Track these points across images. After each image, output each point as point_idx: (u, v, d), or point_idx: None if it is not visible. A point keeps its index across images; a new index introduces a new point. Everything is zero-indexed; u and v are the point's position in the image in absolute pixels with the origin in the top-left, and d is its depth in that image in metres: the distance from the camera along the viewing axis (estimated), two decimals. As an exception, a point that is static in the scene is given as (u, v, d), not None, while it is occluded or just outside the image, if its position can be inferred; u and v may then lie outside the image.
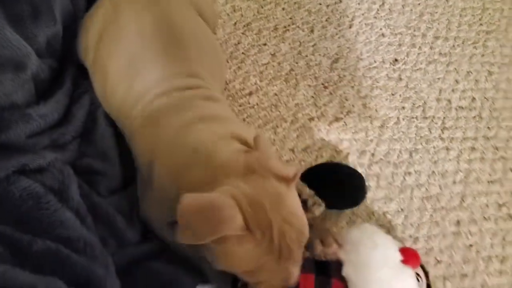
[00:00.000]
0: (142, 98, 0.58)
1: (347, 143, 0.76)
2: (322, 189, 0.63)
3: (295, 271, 0.50)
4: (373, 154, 0.76)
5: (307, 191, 0.63)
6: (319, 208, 0.63)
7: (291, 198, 0.49)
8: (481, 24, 0.95)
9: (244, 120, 0.76)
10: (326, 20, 0.90)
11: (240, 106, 0.77)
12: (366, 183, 0.68)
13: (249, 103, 0.78)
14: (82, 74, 0.67)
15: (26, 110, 0.55)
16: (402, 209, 0.72)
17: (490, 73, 0.89)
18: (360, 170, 0.73)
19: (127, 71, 0.59)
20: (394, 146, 0.77)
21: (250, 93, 0.79)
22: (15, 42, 0.54)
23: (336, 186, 0.66)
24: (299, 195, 0.58)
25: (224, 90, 0.77)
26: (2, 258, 0.43)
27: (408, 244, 0.69)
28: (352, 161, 0.75)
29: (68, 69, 0.67)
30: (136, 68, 0.59)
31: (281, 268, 0.49)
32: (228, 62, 0.81)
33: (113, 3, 0.63)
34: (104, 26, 0.62)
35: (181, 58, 0.60)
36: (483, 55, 0.91)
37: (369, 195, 0.71)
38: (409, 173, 0.75)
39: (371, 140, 0.77)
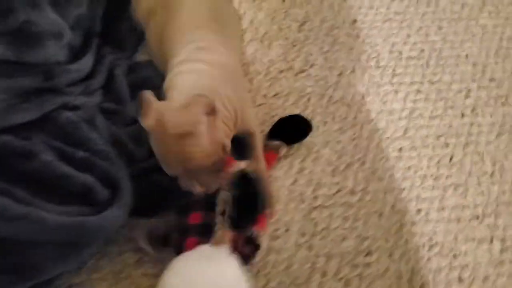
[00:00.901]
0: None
1: (310, 89, 0.94)
2: (284, 132, 0.83)
3: (196, 186, 0.64)
4: (331, 97, 0.93)
5: (274, 142, 0.81)
6: (283, 147, 0.82)
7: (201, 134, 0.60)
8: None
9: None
10: (296, -11, 1.06)
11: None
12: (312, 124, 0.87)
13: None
14: (102, 43, 0.89)
15: (66, 66, 0.75)
16: (353, 139, 0.89)
17: (439, 27, 1.04)
18: (319, 110, 0.91)
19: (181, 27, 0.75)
20: (349, 90, 0.94)
21: (231, 53, 0.97)
22: (54, 19, 0.74)
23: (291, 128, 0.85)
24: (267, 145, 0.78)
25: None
26: (54, 163, 0.64)
27: (355, 166, 0.86)
28: (313, 103, 0.92)
29: (92, 39, 0.88)
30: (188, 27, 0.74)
31: (189, 179, 0.64)
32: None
33: None
34: None
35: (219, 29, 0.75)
36: (434, 13, 1.05)
37: (326, 128, 0.89)
38: (361, 111, 0.92)
39: (330, 86, 0.94)
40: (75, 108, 0.72)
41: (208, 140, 0.62)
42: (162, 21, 0.78)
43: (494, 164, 0.88)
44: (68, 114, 0.69)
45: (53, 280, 0.66)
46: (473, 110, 0.94)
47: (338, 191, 0.84)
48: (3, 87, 0.64)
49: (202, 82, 0.68)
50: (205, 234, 0.66)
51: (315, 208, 0.82)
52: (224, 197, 0.68)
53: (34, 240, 0.57)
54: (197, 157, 0.61)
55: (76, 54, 0.79)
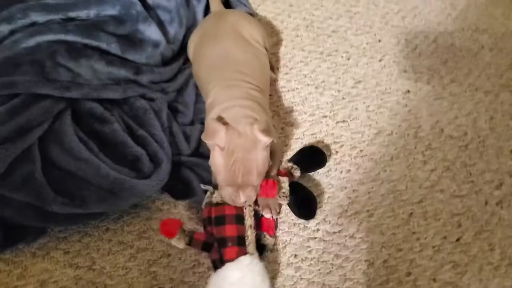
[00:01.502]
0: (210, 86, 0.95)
1: (345, 138, 1.05)
2: (303, 160, 0.96)
3: (241, 196, 0.82)
4: (361, 150, 1.03)
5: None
6: (297, 172, 0.94)
7: (257, 154, 0.82)
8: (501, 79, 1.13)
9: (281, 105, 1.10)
10: (363, 53, 1.19)
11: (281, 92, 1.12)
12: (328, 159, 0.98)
13: (286, 98, 1.12)
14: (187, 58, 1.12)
15: (153, 68, 0.99)
16: (369, 192, 0.97)
17: (491, 117, 1.08)
18: (346, 158, 1.01)
19: (206, 71, 0.98)
20: (381, 150, 1.03)
21: (288, 91, 1.13)
22: (156, 33, 0.99)
23: (309, 157, 0.97)
24: (285, 169, 0.92)
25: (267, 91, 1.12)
26: (120, 132, 0.86)
27: (363, 215, 0.94)
28: (343, 151, 1.03)
29: (182, 54, 1.12)
30: (213, 70, 0.97)
31: (236, 191, 0.82)
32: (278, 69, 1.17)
33: (201, 36, 1.03)
34: (199, 44, 1.02)
35: (234, 70, 0.95)
36: (491, 103, 1.10)
37: (347, 175, 0.99)
38: (385, 170, 1.00)
39: (364, 141, 1.04)
40: (150, 99, 0.94)
41: (264, 160, 0.83)
42: (197, 63, 1.02)
43: (502, 259, 0.89)
44: (143, 102, 0.92)
45: (96, 216, 0.87)
46: (499, 202, 0.96)
47: (339, 231, 0.93)
48: (105, 71, 0.88)
49: (249, 113, 0.87)
50: (241, 244, 0.82)
51: (314, 238, 0.92)
52: (250, 212, 0.85)
53: (88, 179, 0.77)
54: (255, 174, 0.82)
55: (165, 61, 1.03)
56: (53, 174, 0.76)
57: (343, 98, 1.12)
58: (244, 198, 0.83)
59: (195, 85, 1.08)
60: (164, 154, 0.89)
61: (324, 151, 0.98)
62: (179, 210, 0.96)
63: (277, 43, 1.22)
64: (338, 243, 0.92)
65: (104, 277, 0.89)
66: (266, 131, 0.82)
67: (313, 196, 0.92)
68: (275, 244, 0.91)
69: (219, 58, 0.96)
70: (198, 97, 1.07)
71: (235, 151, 0.80)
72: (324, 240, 0.92)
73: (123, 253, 0.92)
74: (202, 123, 1.01)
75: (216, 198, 0.85)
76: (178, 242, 0.81)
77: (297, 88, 1.14)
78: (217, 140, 0.80)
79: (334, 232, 0.93)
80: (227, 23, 1.03)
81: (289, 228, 0.93)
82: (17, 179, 0.72)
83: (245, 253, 0.81)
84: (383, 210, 0.95)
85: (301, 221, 0.94)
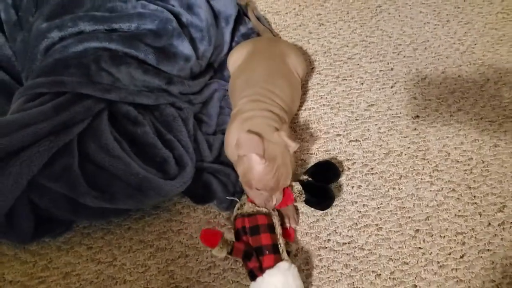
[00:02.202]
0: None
1: (357, 156, 1.11)
2: (318, 173, 1.02)
3: (274, 200, 0.90)
4: (372, 168, 1.09)
5: (298, 187, 0.98)
6: (301, 197, 0.99)
7: (290, 157, 0.91)
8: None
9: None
10: (376, 79, 1.28)
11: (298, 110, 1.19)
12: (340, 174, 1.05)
13: (302, 116, 1.19)
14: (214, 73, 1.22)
15: (184, 80, 1.07)
16: (378, 207, 1.03)
17: (495, 145, 1.14)
18: (358, 175, 1.08)
19: (245, 83, 1.07)
20: (390, 169, 1.09)
21: (305, 109, 1.21)
22: (188, 48, 1.08)
23: (324, 171, 1.04)
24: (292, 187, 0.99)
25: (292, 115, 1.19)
26: (150, 135, 0.93)
27: (372, 229, 0.99)
28: (355, 168, 1.09)
29: (208, 70, 1.21)
30: (248, 83, 1.06)
31: (268, 193, 0.89)
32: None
33: (251, 51, 1.13)
34: (246, 57, 1.13)
35: (268, 90, 1.04)
36: (494, 131, 1.17)
37: (358, 191, 1.05)
38: (394, 188, 1.06)
39: (375, 160, 1.11)
40: (178, 108, 1.02)
41: (293, 163, 0.93)
42: (237, 74, 1.12)
43: (504, 277, 0.93)
44: (172, 110, 1.00)
45: (121, 214, 0.93)
46: (501, 223, 1.01)
47: (349, 243, 0.98)
48: (141, 79, 0.96)
49: (271, 122, 0.95)
50: (276, 252, 0.87)
51: (325, 248, 0.97)
52: (278, 221, 0.92)
53: (118, 175, 0.83)
54: (289, 178, 0.90)
55: (193, 75, 1.11)
56: (88, 169, 0.82)
57: (356, 119, 1.19)
58: (275, 202, 0.91)
59: (219, 99, 1.16)
60: (189, 159, 0.95)
61: (337, 166, 1.04)
62: (198, 214, 1.02)
63: (296, 65, 1.30)
64: (347, 254, 0.96)
65: (124, 273, 0.94)
66: (292, 137, 0.91)
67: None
68: (297, 250, 0.96)
69: (260, 75, 1.05)
70: (221, 110, 1.14)
71: (276, 157, 0.87)
72: (334, 250, 0.97)
73: (143, 251, 0.97)
74: (223, 133, 1.08)
75: (249, 208, 0.91)
76: (220, 252, 0.86)
77: (313, 108, 1.22)
78: (255, 149, 0.87)
79: (344, 243, 0.98)
80: (278, 48, 1.16)
81: (301, 237, 0.99)
82: (56, 170, 0.78)
83: (280, 259, 0.86)
84: (390, 225, 1.00)
85: (313, 230, 0.99)
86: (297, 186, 0.97)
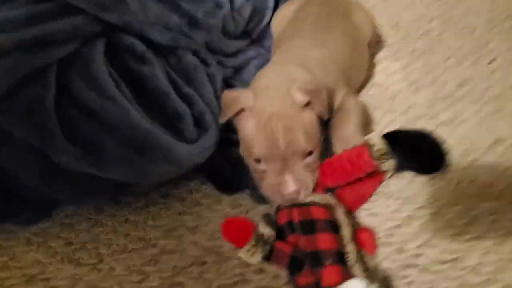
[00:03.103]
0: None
1: (452, 143, 0.79)
2: (406, 152, 0.68)
3: (289, 180, 0.59)
4: (475, 160, 0.76)
5: (379, 144, 0.61)
6: (387, 162, 0.61)
7: (300, 115, 0.61)
8: None
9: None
10: (464, 56, 0.97)
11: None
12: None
13: (369, 93, 0.90)
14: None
15: (212, 28, 0.82)
16: (492, 214, 0.68)
17: None
18: (455, 168, 0.74)
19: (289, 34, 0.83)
20: (501, 161, 0.76)
21: (373, 85, 0.91)
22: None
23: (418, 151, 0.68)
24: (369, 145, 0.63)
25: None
26: (161, 79, 0.66)
27: (486, 243, 0.65)
28: (451, 158, 0.76)
29: (245, 37, 0.97)
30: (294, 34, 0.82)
31: (279, 173, 0.59)
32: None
33: (304, 4, 0.89)
34: (294, 14, 0.88)
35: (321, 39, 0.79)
36: None
37: (456, 188, 0.71)
38: None
39: (478, 149, 0.78)
40: (204, 61, 0.75)
41: (312, 122, 0.63)
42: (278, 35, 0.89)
43: None
44: (194, 59, 0.73)
45: (115, 192, 0.64)
46: None
47: (453, 260, 0.63)
48: (155, 10, 0.70)
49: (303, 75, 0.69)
50: (342, 263, 0.55)
51: (414, 266, 0.63)
52: (344, 216, 0.59)
53: (112, 125, 0.56)
54: (301, 136, 0.60)
55: (226, 33, 0.87)
56: (68, 114, 0.55)
57: (444, 99, 0.88)
58: (293, 184, 0.59)
59: (256, 67, 0.90)
60: (213, 119, 0.67)
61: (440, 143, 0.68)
62: (224, 207, 0.72)
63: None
64: (454, 278, 0.61)
65: (111, 282, 0.64)
66: (306, 91, 0.62)
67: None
68: (376, 266, 0.62)
69: (310, 24, 0.81)
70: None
71: (273, 112, 0.60)
72: (429, 271, 0.62)
73: (142, 253, 0.67)
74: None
75: None
76: (251, 255, 0.55)
77: (383, 84, 0.92)
78: (242, 103, 0.61)
79: (446, 261, 0.63)
80: (340, 2, 0.90)
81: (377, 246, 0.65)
82: (21, 105, 0.52)
83: (349, 275, 0.54)
84: (517, 239, 0.65)
85: (394, 239, 0.66)
86: (378, 141, 0.60)
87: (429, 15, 1.10)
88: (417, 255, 0.64)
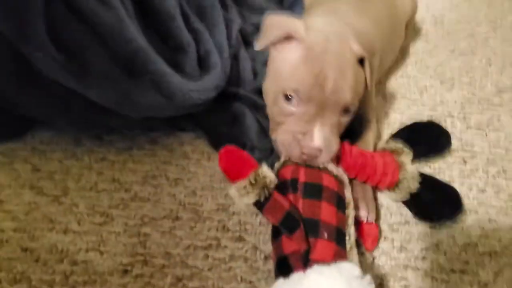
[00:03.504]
0: None
1: (479, 148, 0.70)
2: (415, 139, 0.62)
3: (318, 133, 0.50)
4: (505, 171, 0.67)
5: (395, 143, 0.61)
6: (408, 157, 0.59)
7: (352, 68, 0.52)
8: None
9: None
10: (510, 64, 0.88)
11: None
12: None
13: (398, 82, 0.81)
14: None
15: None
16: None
17: None
18: (480, 174, 0.65)
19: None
20: None
21: (402, 76, 0.82)
22: None
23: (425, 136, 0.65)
24: (386, 148, 0.61)
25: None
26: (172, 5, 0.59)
27: (504, 261, 0.55)
28: (475, 164, 0.67)
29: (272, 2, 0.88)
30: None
31: (309, 120, 0.50)
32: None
33: None
34: None
35: (363, 6, 0.69)
36: None
37: (478, 197, 0.62)
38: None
39: (504, 158, 0.68)
40: (225, 6, 0.68)
41: (361, 80, 0.54)
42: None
43: None
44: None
45: (108, 118, 0.57)
46: None
47: (462, 271, 0.54)
48: None
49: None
50: (341, 243, 0.47)
51: (416, 269, 0.54)
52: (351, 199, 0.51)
53: (100, 34, 0.48)
54: (348, 89, 0.51)
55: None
56: (57, 11, 0.48)
57: (480, 103, 0.78)
58: (320, 138, 0.50)
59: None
60: (220, 61, 0.59)
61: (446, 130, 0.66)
62: (213, 165, 0.64)
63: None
64: (458, 290, 0.52)
65: (70, 217, 0.56)
66: (364, 47, 0.53)
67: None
68: (373, 261, 0.54)
69: None
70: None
71: (330, 50, 0.50)
72: (433, 277, 0.53)
73: (112, 194, 0.59)
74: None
75: None
76: (244, 193, 0.45)
77: (415, 76, 0.83)
78: (292, 29, 0.51)
79: (453, 270, 0.54)
80: None
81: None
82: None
83: (345, 258, 0.46)
84: None
85: (398, 236, 0.57)
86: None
87: (478, 18, 1.01)
88: (422, 259, 0.55)
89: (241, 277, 0.52)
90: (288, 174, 0.50)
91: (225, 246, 0.54)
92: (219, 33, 0.62)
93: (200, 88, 0.54)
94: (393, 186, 0.56)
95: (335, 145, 0.52)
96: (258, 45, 0.53)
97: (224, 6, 0.68)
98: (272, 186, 0.46)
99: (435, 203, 0.57)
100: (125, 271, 0.51)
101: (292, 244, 0.45)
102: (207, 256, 0.53)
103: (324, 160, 0.51)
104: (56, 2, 0.49)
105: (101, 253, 0.53)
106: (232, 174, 0.45)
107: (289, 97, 0.51)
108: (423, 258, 0.55)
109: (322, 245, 0.45)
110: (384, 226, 0.58)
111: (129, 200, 0.59)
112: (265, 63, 0.74)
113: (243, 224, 0.57)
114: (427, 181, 0.57)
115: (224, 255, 0.53)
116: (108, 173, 0.62)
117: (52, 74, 0.49)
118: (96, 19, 0.48)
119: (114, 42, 0.49)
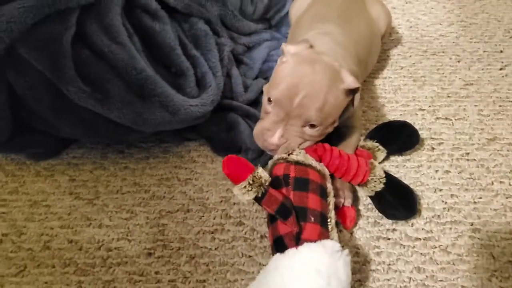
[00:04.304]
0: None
1: (446, 136, 0.80)
2: (388, 137, 0.73)
3: (277, 134, 0.61)
4: (467, 153, 0.77)
5: (372, 143, 0.72)
6: (382, 154, 0.72)
7: (332, 91, 0.61)
8: None
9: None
10: (478, 59, 0.98)
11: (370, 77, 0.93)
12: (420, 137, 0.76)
13: (374, 83, 0.92)
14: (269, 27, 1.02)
15: (228, 3, 0.88)
16: (475, 202, 0.69)
17: None
18: (446, 158, 0.76)
19: (314, 17, 0.83)
20: (496, 158, 0.76)
21: (378, 78, 0.94)
22: None
23: (397, 134, 0.75)
24: (366, 148, 0.72)
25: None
26: (169, 35, 0.72)
27: (462, 227, 0.66)
28: (442, 149, 0.78)
29: (263, 21, 1.01)
30: (319, 18, 0.81)
31: (276, 122, 0.62)
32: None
33: None
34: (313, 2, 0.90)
35: (347, 27, 0.79)
36: None
37: (443, 177, 0.73)
38: (501, 182, 0.72)
39: (473, 144, 0.78)
40: (215, 32, 0.80)
41: (338, 104, 0.63)
42: (298, 18, 0.89)
43: None
44: (206, 27, 0.78)
45: (128, 133, 0.70)
46: None
47: (425, 239, 0.65)
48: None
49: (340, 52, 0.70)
50: (324, 225, 0.59)
51: (387, 239, 0.65)
52: (331, 189, 0.63)
53: (118, 69, 0.62)
54: (316, 108, 0.60)
55: (244, 14, 0.93)
56: (82, 54, 0.62)
57: (449, 96, 0.89)
58: (277, 138, 0.62)
59: (268, 47, 0.94)
60: (214, 80, 0.72)
61: (414, 128, 0.76)
62: (216, 166, 0.76)
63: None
64: (422, 253, 0.63)
65: (102, 215, 0.70)
66: (354, 76, 0.64)
67: (408, 186, 0.69)
68: (350, 237, 0.66)
69: (334, 10, 0.81)
70: (269, 57, 0.92)
71: (312, 71, 0.61)
72: (401, 245, 0.64)
73: (135, 195, 0.72)
74: (266, 78, 0.86)
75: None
76: (245, 192, 0.56)
77: (390, 77, 0.94)
78: (297, 48, 0.63)
79: (418, 238, 0.65)
80: None
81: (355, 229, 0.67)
82: (42, 39, 0.59)
83: (328, 237, 0.58)
84: (495, 228, 0.66)
85: (372, 214, 0.68)
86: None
87: (449, 20, 1.11)
88: (392, 230, 0.66)
89: (242, 253, 0.64)
90: (280, 171, 0.62)
91: (228, 230, 0.67)
92: (212, 57, 0.75)
93: (199, 103, 0.67)
94: (362, 183, 0.67)
95: (294, 145, 0.63)
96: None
97: (216, 33, 0.81)
98: (267, 184, 0.57)
99: (394, 204, 0.66)
100: (149, 254, 0.64)
101: (285, 227, 0.57)
102: (214, 238, 0.66)
103: (280, 153, 0.63)
104: (80, 46, 0.63)
105: (129, 241, 0.66)
106: (234, 177, 0.57)
107: (270, 100, 0.63)
108: (394, 230, 0.66)
109: (310, 228, 0.57)
110: (361, 207, 0.70)
111: (149, 199, 0.72)
112: (254, 78, 0.87)
113: (242, 211, 0.69)
114: (391, 183, 0.67)
115: (228, 237, 0.66)
116: (130, 178, 0.75)
117: (81, 102, 0.62)
118: (112, 56, 0.62)
119: (128, 73, 0.62)
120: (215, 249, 0.64)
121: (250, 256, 0.63)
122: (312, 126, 0.62)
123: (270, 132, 0.62)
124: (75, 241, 0.66)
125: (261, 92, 0.83)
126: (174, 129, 0.72)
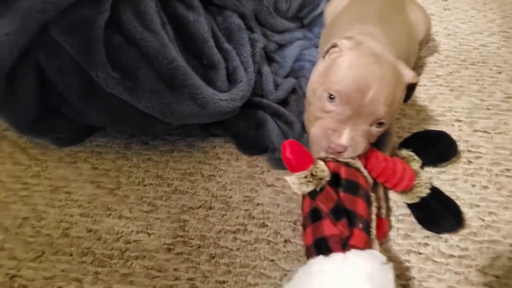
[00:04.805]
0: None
1: (484, 150, 0.76)
2: (424, 148, 0.70)
3: (346, 133, 0.57)
4: (508, 169, 0.72)
5: (407, 152, 0.69)
6: (417, 164, 0.68)
7: (397, 86, 0.58)
8: None
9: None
10: None
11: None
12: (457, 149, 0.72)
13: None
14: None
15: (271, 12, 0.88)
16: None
17: None
18: (484, 173, 0.72)
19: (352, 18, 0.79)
20: None
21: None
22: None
23: (434, 145, 0.71)
24: (397, 154, 0.69)
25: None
26: (202, 26, 0.70)
27: (500, 247, 0.61)
28: (480, 163, 0.74)
29: (295, 20, 0.99)
30: (358, 18, 0.78)
31: (343, 121, 0.57)
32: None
33: None
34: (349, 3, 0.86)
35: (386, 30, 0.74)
36: None
37: (481, 192, 0.68)
38: (543, 202, 0.67)
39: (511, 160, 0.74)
40: (249, 27, 0.78)
41: (400, 100, 0.60)
42: (334, 19, 0.85)
43: None
44: (240, 22, 0.76)
45: (155, 124, 0.68)
46: None
47: (460, 257, 0.61)
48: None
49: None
50: (369, 234, 0.56)
51: (418, 254, 0.61)
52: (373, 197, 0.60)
53: (149, 57, 0.60)
54: (386, 105, 0.56)
55: (277, 11, 0.91)
56: (114, 40, 0.60)
57: (488, 109, 0.84)
58: (347, 139, 0.57)
59: (301, 46, 0.92)
60: (245, 76, 0.70)
61: (453, 139, 0.72)
62: (241, 164, 0.74)
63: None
64: (456, 272, 0.59)
65: (123, 206, 0.68)
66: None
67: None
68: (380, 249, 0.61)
69: (374, 11, 0.77)
70: (301, 56, 0.90)
71: (379, 61, 0.57)
72: (434, 261, 0.60)
73: (157, 188, 0.71)
74: (297, 78, 0.84)
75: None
76: (304, 183, 0.53)
77: (425, 85, 0.90)
78: (350, 42, 0.60)
79: (452, 256, 0.61)
80: None
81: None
82: (73, 20, 0.57)
83: (371, 247, 0.55)
84: None
85: (403, 226, 0.65)
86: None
87: (490, 30, 1.07)
88: (424, 245, 0.62)
89: (264, 256, 0.61)
90: (330, 167, 0.57)
91: (251, 231, 0.64)
92: (245, 52, 0.73)
93: (228, 98, 0.65)
94: (407, 190, 0.64)
95: (361, 148, 0.59)
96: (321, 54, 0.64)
97: (249, 28, 0.79)
98: (327, 179, 0.54)
99: (441, 212, 0.62)
100: (169, 249, 0.62)
101: (332, 229, 0.53)
102: (235, 239, 0.63)
103: (346, 156, 0.59)
104: (113, 32, 0.62)
105: (149, 234, 0.64)
106: (294, 164, 0.53)
107: (332, 97, 0.58)
108: (426, 244, 0.62)
109: (357, 234, 0.54)
110: (391, 217, 0.66)
111: (171, 193, 0.70)
112: (285, 77, 0.85)
113: (266, 213, 0.66)
114: (436, 192, 0.64)
115: (250, 238, 0.63)
116: (153, 170, 0.73)
117: (110, 89, 0.61)
118: (143, 44, 0.61)
119: (159, 62, 0.61)
120: (237, 249, 0.62)
121: (272, 260, 0.61)
122: (380, 124, 0.58)
123: (336, 132, 0.57)
124: (94, 231, 0.64)
125: (292, 91, 0.80)
126: (201, 123, 0.70)
